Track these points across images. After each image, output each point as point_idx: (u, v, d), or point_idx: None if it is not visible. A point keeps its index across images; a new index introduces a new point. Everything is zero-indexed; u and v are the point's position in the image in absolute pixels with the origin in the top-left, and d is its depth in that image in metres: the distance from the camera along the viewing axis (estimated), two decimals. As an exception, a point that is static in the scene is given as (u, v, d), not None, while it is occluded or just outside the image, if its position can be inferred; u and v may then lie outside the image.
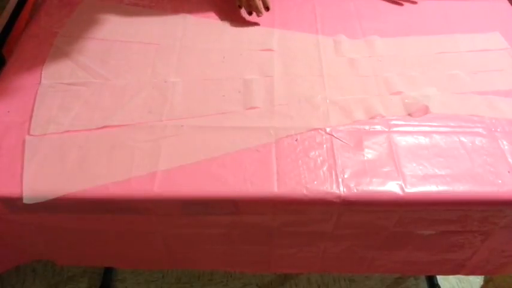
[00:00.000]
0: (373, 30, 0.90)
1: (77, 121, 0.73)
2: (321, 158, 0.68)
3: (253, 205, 0.66)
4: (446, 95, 0.78)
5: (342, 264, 0.81)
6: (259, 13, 0.89)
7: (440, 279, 1.23)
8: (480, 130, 0.73)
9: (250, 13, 0.91)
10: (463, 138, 0.71)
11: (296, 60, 0.83)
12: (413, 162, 0.68)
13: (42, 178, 0.65)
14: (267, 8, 0.89)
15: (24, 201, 0.63)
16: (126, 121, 0.73)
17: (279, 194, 0.64)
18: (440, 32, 0.89)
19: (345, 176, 0.66)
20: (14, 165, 0.66)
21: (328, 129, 0.72)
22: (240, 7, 0.91)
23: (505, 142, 0.71)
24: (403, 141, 0.71)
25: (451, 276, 1.26)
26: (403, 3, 0.97)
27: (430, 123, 0.73)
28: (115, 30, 0.89)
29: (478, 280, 1.24)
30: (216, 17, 0.92)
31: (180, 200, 0.65)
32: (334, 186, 0.65)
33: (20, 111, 0.74)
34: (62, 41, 0.86)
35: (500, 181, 0.66)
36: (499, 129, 0.73)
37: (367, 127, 0.73)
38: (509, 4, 0.96)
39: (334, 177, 0.66)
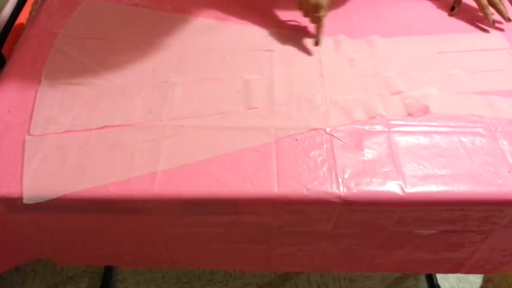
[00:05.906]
0: (373, 30, 0.89)
1: (77, 121, 0.73)
2: (321, 158, 0.68)
3: (253, 205, 0.66)
4: (446, 95, 0.78)
5: (341, 263, 0.81)
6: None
7: (440, 279, 1.23)
8: (480, 130, 0.72)
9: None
10: (463, 138, 0.71)
11: (296, 60, 0.83)
12: (413, 162, 0.68)
13: (42, 178, 0.65)
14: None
15: (24, 201, 0.63)
16: (126, 121, 0.73)
17: (279, 194, 0.64)
18: (440, 32, 0.89)
19: (345, 176, 0.66)
20: (14, 165, 0.66)
21: (328, 129, 0.72)
22: None
23: (505, 142, 0.71)
24: (403, 141, 0.71)
25: (450, 276, 1.26)
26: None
27: (430, 123, 0.73)
28: (115, 30, 0.89)
29: (478, 280, 1.24)
30: (216, 17, 0.92)
31: (180, 200, 0.65)
32: (334, 186, 0.65)
33: (20, 111, 0.74)
34: (62, 41, 0.86)
35: (500, 181, 0.66)
36: (499, 129, 0.73)
37: (367, 127, 0.73)
38: (509, 4, 0.96)
39: (334, 177, 0.66)
